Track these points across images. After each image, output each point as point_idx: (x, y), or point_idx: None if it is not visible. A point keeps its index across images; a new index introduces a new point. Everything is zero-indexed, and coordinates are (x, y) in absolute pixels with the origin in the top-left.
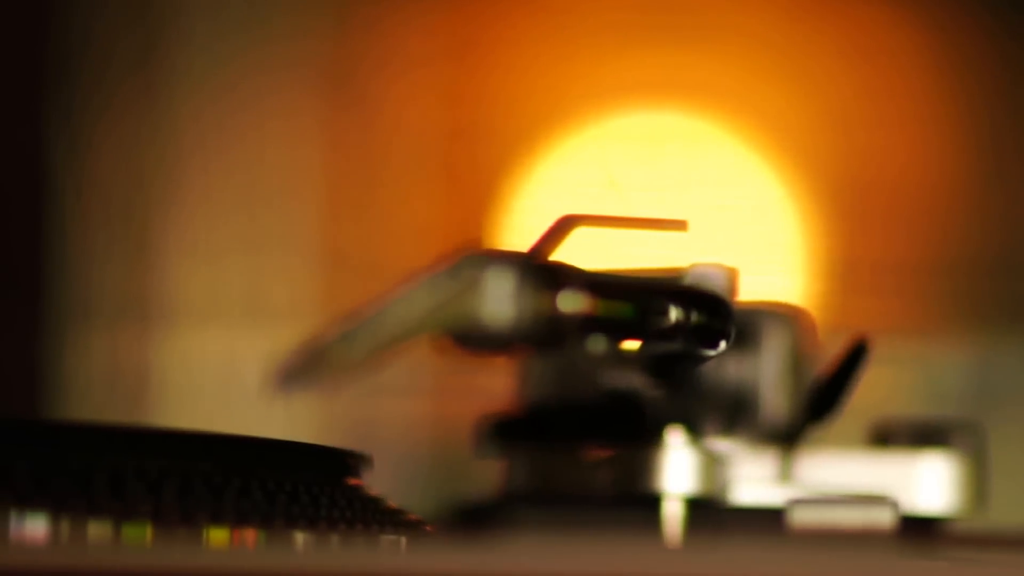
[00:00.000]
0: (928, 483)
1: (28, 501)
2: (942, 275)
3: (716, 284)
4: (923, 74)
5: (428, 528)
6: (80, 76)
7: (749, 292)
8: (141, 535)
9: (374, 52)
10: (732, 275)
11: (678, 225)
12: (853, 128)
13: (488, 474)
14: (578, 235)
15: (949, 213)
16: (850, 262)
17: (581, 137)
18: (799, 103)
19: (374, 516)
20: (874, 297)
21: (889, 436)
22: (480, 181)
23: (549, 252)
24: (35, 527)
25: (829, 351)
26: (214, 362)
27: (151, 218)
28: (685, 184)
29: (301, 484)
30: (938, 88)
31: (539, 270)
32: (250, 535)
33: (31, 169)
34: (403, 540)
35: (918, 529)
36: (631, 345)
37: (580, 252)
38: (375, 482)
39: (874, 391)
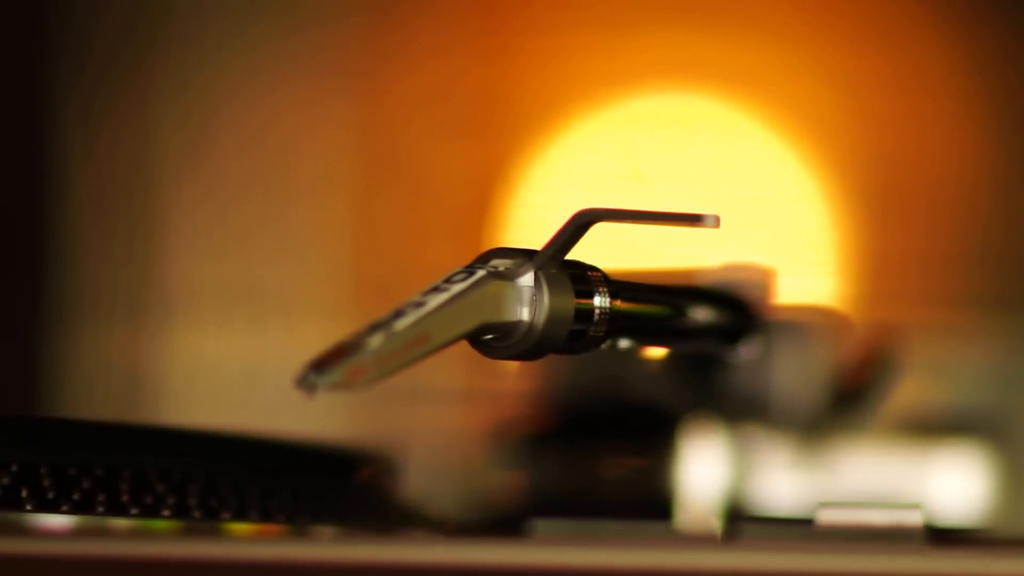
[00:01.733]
0: (957, 478)
1: (55, 500)
2: (972, 272)
3: (748, 284)
4: (953, 68)
5: (448, 527)
6: (89, 57)
7: (781, 291)
8: (165, 532)
9: (392, 40)
10: (768, 275)
11: (710, 221)
12: (882, 122)
13: (513, 481)
14: (605, 230)
15: (981, 209)
16: (878, 258)
17: (604, 124)
18: (827, 94)
19: (396, 514)
20: (902, 294)
21: (919, 431)
22: (499, 176)
23: (567, 249)
24: (62, 525)
25: (859, 350)
26: (237, 360)
27: (170, 210)
28: (705, 174)
29: (326, 482)
30: (967, 84)
31: (564, 271)
32: (274, 531)
33: (37, 162)
34: (422, 537)
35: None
36: (657, 347)
37: (607, 248)
38: (399, 486)
39: (904, 388)
